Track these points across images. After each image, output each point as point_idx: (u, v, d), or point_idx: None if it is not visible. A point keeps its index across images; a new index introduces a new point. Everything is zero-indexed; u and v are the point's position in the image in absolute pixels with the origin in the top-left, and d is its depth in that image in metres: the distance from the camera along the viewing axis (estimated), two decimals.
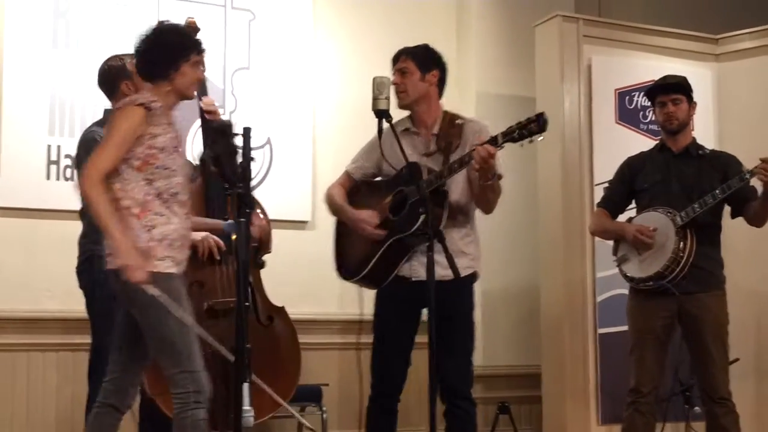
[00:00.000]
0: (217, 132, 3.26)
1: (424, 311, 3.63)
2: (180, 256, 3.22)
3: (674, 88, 4.14)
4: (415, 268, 3.70)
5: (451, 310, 3.59)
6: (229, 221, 3.60)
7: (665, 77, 4.26)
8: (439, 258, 3.41)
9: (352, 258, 3.86)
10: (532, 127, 3.48)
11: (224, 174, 3.15)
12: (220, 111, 4.26)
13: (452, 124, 3.82)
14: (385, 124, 3.56)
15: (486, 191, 3.67)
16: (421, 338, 3.84)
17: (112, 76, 3.93)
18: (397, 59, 3.87)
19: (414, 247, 3.64)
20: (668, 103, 4.14)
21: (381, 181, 3.90)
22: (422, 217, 3.51)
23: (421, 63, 3.83)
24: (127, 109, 3.22)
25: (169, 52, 3.29)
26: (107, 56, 4.05)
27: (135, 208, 3.17)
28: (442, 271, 3.45)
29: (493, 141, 3.53)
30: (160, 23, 3.43)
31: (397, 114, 3.70)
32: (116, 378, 3.29)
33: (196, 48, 3.35)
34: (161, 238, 3.17)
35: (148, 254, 3.13)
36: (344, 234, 3.91)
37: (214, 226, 3.71)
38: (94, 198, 3.13)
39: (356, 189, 3.94)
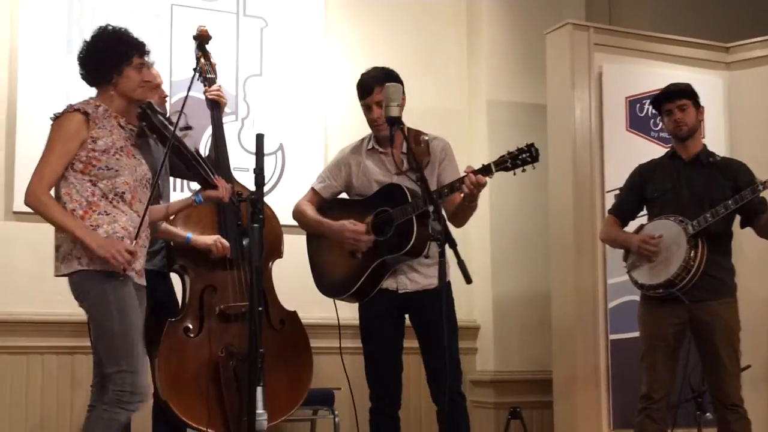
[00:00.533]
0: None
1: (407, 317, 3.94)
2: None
3: (679, 95, 4.15)
4: (401, 282, 3.85)
5: (439, 314, 3.65)
6: (198, 194, 3.60)
7: (669, 85, 4.27)
8: (423, 269, 3.75)
9: (333, 276, 3.95)
10: (524, 157, 3.62)
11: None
12: (225, 103, 4.28)
13: (418, 141, 3.91)
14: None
15: (467, 210, 3.82)
16: (409, 343, 4.01)
17: None
18: (371, 90, 3.89)
19: (398, 264, 3.75)
20: (675, 110, 4.15)
21: (356, 200, 3.95)
22: (414, 237, 3.67)
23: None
24: (63, 117, 3.29)
25: (110, 57, 3.33)
26: None
27: (79, 210, 3.23)
28: (425, 281, 3.77)
29: (486, 170, 3.64)
30: (101, 28, 3.43)
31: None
32: (100, 381, 3.33)
33: (138, 50, 3.38)
34: (106, 237, 3.22)
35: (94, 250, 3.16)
36: (320, 250, 3.98)
37: (185, 203, 3.67)
38: (43, 209, 3.20)
39: (326, 207, 4.00)
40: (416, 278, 3.77)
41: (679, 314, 4.04)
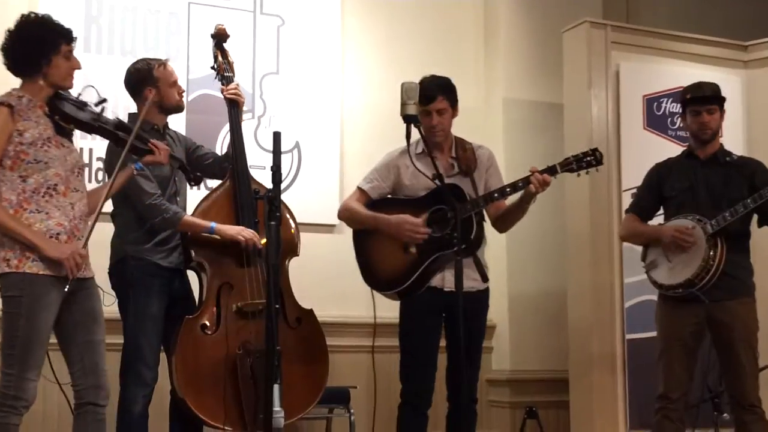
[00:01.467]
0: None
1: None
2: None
3: (710, 100, 4.13)
4: (448, 279, 3.87)
5: (477, 318, 3.92)
6: (137, 162, 3.57)
7: (700, 85, 4.21)
8: (469, 271, 3.73)
9: (385, 270, 3.95)
10: (589, 160, 3.87)
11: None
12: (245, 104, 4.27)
13: (464, 149, 4.03)
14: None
15: (518, 214, 3.97)
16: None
17: (136, 80, 3.97)
18: (433, 98, 3.92)
19: (450, 261, 3.74)
20: (703, 113, 4.12)
21: (406, 199, 3.97)
22: (475, 231, 3.82)
23: (453, 100, 4.01)
24: None
25: (37, 46, 3.24)
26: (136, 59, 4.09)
27: (9, 209, 3.18)
28: (469, 282, 3.74)
29: (552, 171, 3.84)
30: (24, 16, 3.32)
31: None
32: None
33: (65, 38, 3.30)
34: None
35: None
36: (370, 246, 3.99)
37: (126, 175, 3.56)
38: None
39: (374, 207, 4.01)
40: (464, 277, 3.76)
41: (697, 314, 4.02)
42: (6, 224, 3.17)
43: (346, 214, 4.08)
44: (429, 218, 3.90)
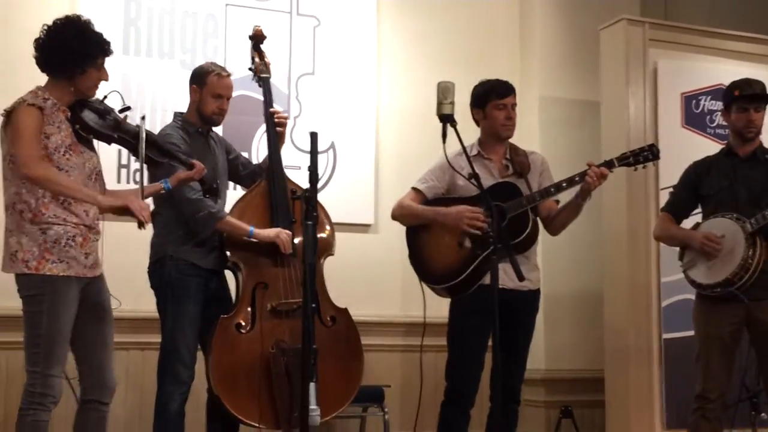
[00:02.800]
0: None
1: None
2: (81, 252, 3.27)
3: (761, 98, 4.09)
4: (500, 277, 3.76)
5: (526, 318, 3.96)
6: (166, 180, 3.60)
7: (750, 82, 4.15)
8: (525, 269, 3.68)
9: (440, 265, 3.94)
10: (646, 154, 3.92)
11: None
12: (286, 116, 4.30)
13: (516, 152, 4.07)
14: (452, 150, 3.59)
15: (576, 211, 3.98)
16: None
17: (191, 77, 4.05)
18: (511, 92, 4.06)
19: (504, 258, 3.70)
20: (751, 110, 4.07)
21: (462, 197, 3.98)
22: (530, 228, 3.84)
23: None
24: (21, 110, 3.21)
25: (76, 56, 3.28)
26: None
27: (28, 213, 3.23)
28: (526, 282, 3.73)
29: (609, 164, 3.89)
30: (69, 19, 3.34)
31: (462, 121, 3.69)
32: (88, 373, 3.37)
33: (103, 51, 3.34)
34: (57, 239, 3.23)
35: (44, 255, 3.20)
36: (425, 241, 3.99)
37: (154, 189, 3.60)
38: (43, 175, 3.16)
39: (428, 205, 4.01)
40: (515, 276, 3.75)
41: (735, 313, 3.98)
42: (65, 189, 3.22)
43: (400, 211, 4.07)
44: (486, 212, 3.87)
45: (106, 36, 3.40)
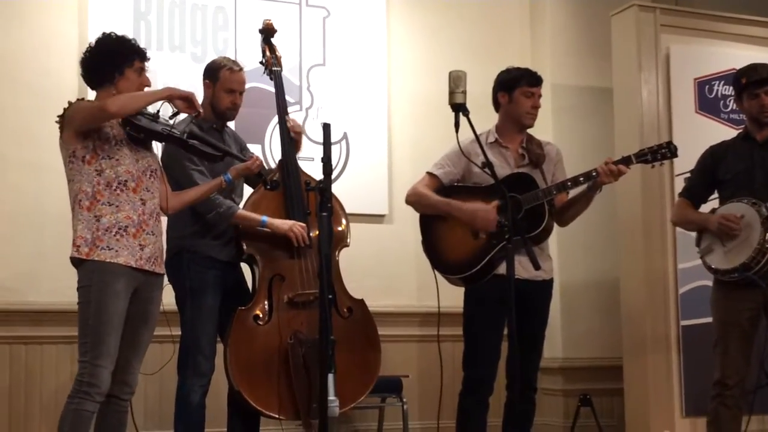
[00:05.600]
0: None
1: None
2: (134, 242, 3.35)
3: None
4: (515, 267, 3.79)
5: (541, 308, 3.96)
6: (227, 173, 3.73)
7: (756, 67, 4.13)
8: (540, 260, 3.68)
9: (455, 255, 3.93)
10: (664, 152, 3.92)
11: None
12: (296, 119, 4.29)
13: (532, 142, 4.05)
14: (467, 137, 3.57)
15: (585, 203, 3.99)
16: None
17: (204, 70, 4.08)
18: (539, 83, 4.05)
19: (519, 249, 3.68)
20: (761, 95, 4.05)
21: (476, 186, 3.96)
22: (546, 220, 3.84)
23: None
24: (78, 102, 3.44)
25: (113, 59, 3.44)
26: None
27: (85, 201, 3.34)
28: (540, 272, 3.76)
29: (627, 161, 3.90)
30: (104, 34, 3.54)
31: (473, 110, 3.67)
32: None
33: (139, 55, 3.49)
34: (109, 226, 3.32)
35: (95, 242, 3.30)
36: (440, 231, 3.97)
37: (215, 184, 3.73)
38: (114, 102, 3.30)
39: (445, 192, 3.99)
40: (529, 266, 3.73)
41: (754, 299, 3.97)
42: (139, 97, 3.38)
43: (414, 198, 4.05)
44: (500, 206, 3.87)
45: (117, 30, 3.51)
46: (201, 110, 3.48)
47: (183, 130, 3.52)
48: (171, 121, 3.53)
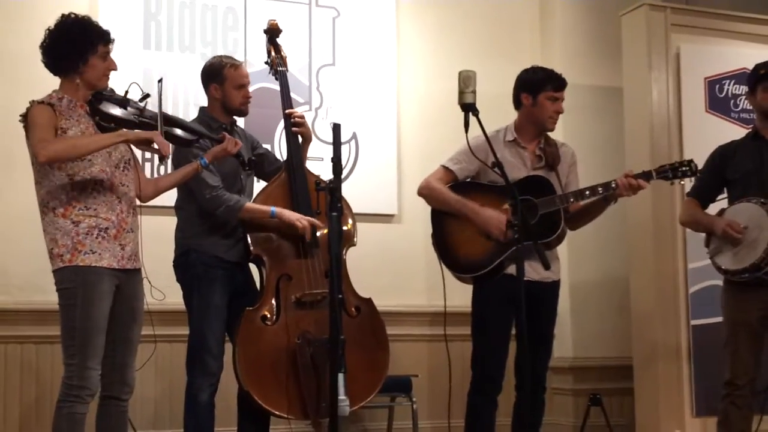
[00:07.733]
0: None
1: None
2: (116, 244, 3.30)
3: None
4: (525, 268, 3.77)
5: (549, 308, 3.97)
6: (202, 157, 3.68)
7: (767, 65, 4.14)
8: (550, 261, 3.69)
9: (466, 254, 3.92)
10: (684, 170, 3.92)
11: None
12: (302, 116, 4.25)
13: (549, 143, 4.03)
14: (480, 135, 3.56)
15: (599, 212, 4.00)
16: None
17: (206, 75, 4.04)
18: (564, 88, 4.01)
19: (530, 251, 3.69)
20: None
21: (491, 185, 3.93)
22: (561, 227, 3.84)
23: None
24: (33, 109, 3.27)
25: (75, 46, 3.30)
26: (198, 57, 4.13)
27: (59, 208, 3.26)
28: (544, 273, 3.77)
29: (647, 176, 3.90)
30: (64, 16, 3.36)
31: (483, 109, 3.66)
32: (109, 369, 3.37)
33: (103, 39, 3.35)
34: (88, 230, 3.26)
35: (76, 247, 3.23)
36: (452, 228, 3.95)
37: (189, 169, 3.67)
38: (54, 150, 3.16)
39: (459, 189, 3.97)
40: (538, 268, 3.74)
41: (763, 299, 3.96)
42: (80, 144, 3.22)
43: (427, 192, 4.01)
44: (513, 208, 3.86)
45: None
46: (167, 154, 3.32)
47: (153, 114, 3.43)
48: (141, 104, 3.43)
